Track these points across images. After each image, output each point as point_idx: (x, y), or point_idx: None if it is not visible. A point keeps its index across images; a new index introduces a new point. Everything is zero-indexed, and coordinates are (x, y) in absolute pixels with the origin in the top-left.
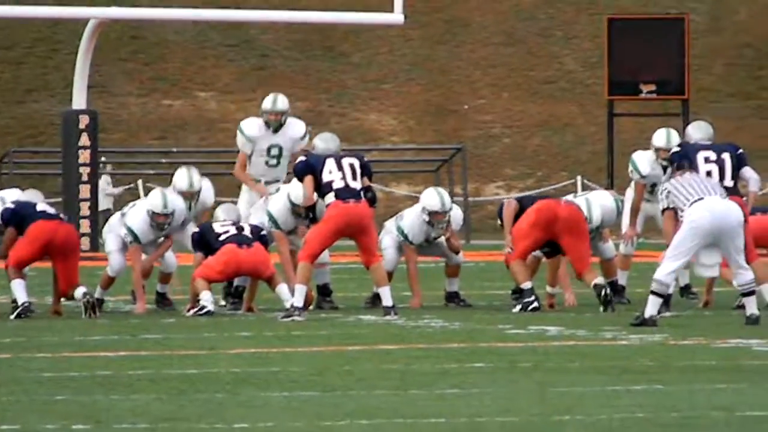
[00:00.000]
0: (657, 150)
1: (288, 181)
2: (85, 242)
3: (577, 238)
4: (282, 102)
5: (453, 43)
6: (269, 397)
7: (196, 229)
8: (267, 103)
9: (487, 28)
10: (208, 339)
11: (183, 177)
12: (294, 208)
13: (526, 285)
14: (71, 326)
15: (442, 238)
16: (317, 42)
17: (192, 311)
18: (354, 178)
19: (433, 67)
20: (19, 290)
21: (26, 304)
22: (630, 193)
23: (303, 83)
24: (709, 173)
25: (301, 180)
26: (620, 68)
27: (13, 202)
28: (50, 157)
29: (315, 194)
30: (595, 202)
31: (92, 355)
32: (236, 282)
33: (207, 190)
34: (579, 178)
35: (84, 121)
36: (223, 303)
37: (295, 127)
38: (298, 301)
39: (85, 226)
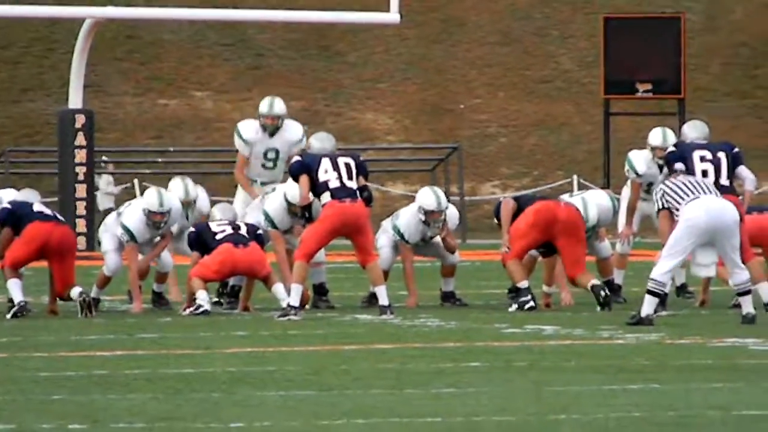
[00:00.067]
0: (653, 149)
1: (284, 180)
2: (81, 241)
3: (574, 242)
4: (278, 106)
5: (449, 43)
6: (265, 397)
7: (193, 229)
8: (263, 107)
9: (482, 27)
10: (205, 338)
11: (178, 187)
12: (290, 207)
13: (523, 284)
14: (67, 326)
15: (438, 238)
16: (313, 41)
17: (188, 311)
18: (350, 177)
19: (428, 66)
20: (15, 290)
21: (22, 304)
22: (626, 192)
23: (299, 82)
24: (704, 172)
25: (296, 179)
26: (616, 67)
27: (9, 202)
28: (46, 157)
29: (311, 194)
30: (592, 202)
31: (89, 355)
32: (232, 281)
33: (203, 199)
34: (575, 177)
35: (80, 120)
36: (216, 299)
37: (292, 130)
38: (295, 300)
39: (81, 225)
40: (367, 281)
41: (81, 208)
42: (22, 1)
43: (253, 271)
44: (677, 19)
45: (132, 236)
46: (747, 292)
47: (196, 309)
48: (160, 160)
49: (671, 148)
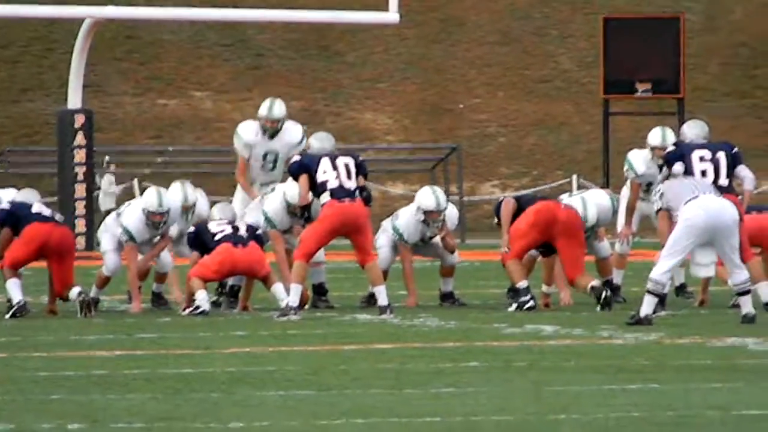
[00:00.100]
0: (653, 149)
1: (284, 180)
2: (80, 241)
3: (573, 243)
4: (279, 109)
5: (448, 42)
6: (265, 397)
7: (192, 229)
8: (263, 110)
9: (482, 27)
10: (204, 338)
11: (177, 192)
12: (289, 207)
13: (522, 284)
14: (67, 325)
15: (438, 238)
16: (312, 41)
17: (187, 311)
18: (349, 177)
19: (428, 66)
20: (14, 290)
21: (22, 304)
22: (626, 192)
23: (298, 82)
24: (704, 172)
25: (296, 179)
26: (616, 67)
27: (8, 203)
28: (45, 157)
29: (310, 194)
30: (591, 201)
31: (88, 355)
32: (231, 281)
33: (202, 204)
34: (574, 177)
35: (79, 120)
36: (215, 297)
37: (292, 133)
38: (294, 300)
39: (80, 225)
40: (367, 281)
41: (80, 207)
42: (22, 1)
43: (253, 271)
44: (677, 19)
45: (131, 236)
46: (746, 292)
47: (195, 309)
48: (159, 160)
49: (671, 148)
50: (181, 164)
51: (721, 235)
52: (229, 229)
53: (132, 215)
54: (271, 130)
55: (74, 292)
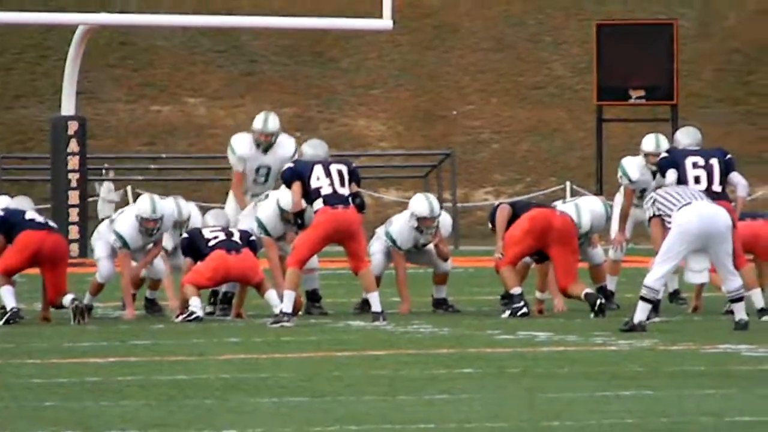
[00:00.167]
0: (646, 155)
1: (277, 187)
2: (74, 248)
3: (567, 251)
4: (273, 123)
5: (442, 49)
6: (259, 403)
7: (186, 235)
8: (258, 124)
9: (476, 33)
10: (198, 345)
11: (171, 207)
12: (283, 214)
13: (516, 290)
14: (60, 332)
15: (431, 245)
16: (306, 48)
17: (181, 317)
18: (342, 184)
19: (421, 72)
20: (7, 297)
21: (15, 310)
22: (619, 199)
23: (292, 89)
24: (697, 179)
25: (289, 186)
26: (609, 74)
27: (2, 210)
28: (39, 163)
29: (303, 200)
30: (585, 208)
31: (81, 362)
32: (225, 288)
33: (195, 217)
34: (568, 183)
35: (73, 127)
36: (210, 309)
37: (285, 147)
38: (287, 306)
39: (74, 232)
40: (360, 288)
41: (74, 214)
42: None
43: (246, 277)
44: (670, 25)
45: (125, 243)
46: (740, 299)
47: (189, 315)
48: (152, 166)
49: (664, 155)
50: (175, 171)
51: (715, 241)
52: (222, 236)
53: (125, 222)
54: (265, 143)
55: (68, 299)
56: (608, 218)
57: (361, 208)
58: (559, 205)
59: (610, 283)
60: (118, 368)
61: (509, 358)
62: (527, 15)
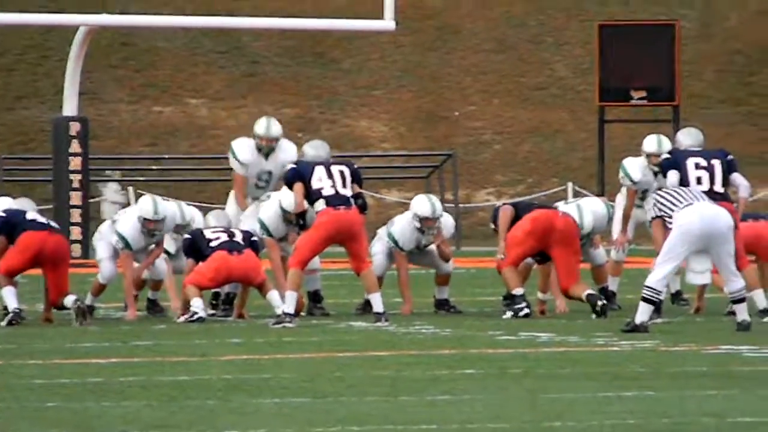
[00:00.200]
0: (648, 156)
1: (278, 188)
2: (76, 249)
3: (569, 252)
4: (276, 128)
5: (444, 50)
6: (260, 404)
7: (188, 236)
8: (260, 129)
9: (478, 34)
10: (200, 346)
11: (173, 211)
12: (285, 215)
13: (518, 291)
14: (62, 333)
15: (433, 246)
16: (308, 48)
17: (183, 318)
18: (344, 185)
19: (423, 73)
20: (9, 297)
21: (17, 311)
22: (621, 200)
23: (293, 90)
24: (699, 179)
25: (291, 187)
26: (611, 75)
27: (3, 211)
28: (40, 164)
29: (305, 201)
30: (587, 209)
31: (83, 362)
32: (227, 289)
33: (198, 222)
34: (570, 184)
35: (74, 128)
36: (212, 311)
37: (287, 152)
38: (289, 307)
39: (75, 233)
40: (362, 288)
41: (76, 215)
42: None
43: (248, 278)
44: (672, 26)
45: (126, 244)
46: (742, 300)
47: (191, 316)
48: (154, 167)
49: (665, 156)
50: (177, 172)
51: (716, 241)
52: (224, 237)
53: (127, 223)
54: (267, 148)
55: (69, 299)
56: (610, 219)
57: (362, 209)
58: (560, 205)
59: (612, 284)
60: (120, 369)
61: (511, 359)
62: (529, 16)
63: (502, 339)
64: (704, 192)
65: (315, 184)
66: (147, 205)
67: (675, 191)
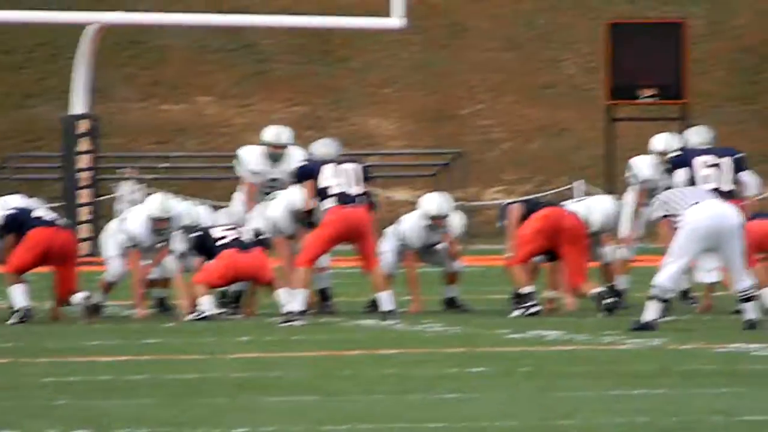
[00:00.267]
0: (657, 154)
1: (285, 187)
2: (85, 247)
3: (578, 250)
4: (286, 135)
5: (452, 48)
6: (269, 402)
7: (196, 234)
8: (270, 136)
9: (486, 33)
10: (209, 344)
11: (182, 207)
12: (293, 213)
13: (526, 289)
14: (71, 331)
15: (442, 245)
16: (316, 47)
17: (192, 316)
18: (353, 183)
19: (432, 72)
20: (18, 295)
21: (26, 309)
22: (629, 198)
23: (302, 88)
24: (707, 178)
25: (300, 185)
26: (620, 73)
27: (12, 208)
28: (49, 162)
29: (314, 199)
30: (595, 207)
31: (92, 360)
32: (235, 287)
33: (205, 217)
34: (578, 182)
35: (84, 126)
36: (222, 310)
37: (295, 159)
38: (298, 305)
39: (85, 230)
40: (371, 286)
41: (85, 213)
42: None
43: (257, 276)
44: (680, 24)
45: (135, 242)
46: (750, 299)
47: (200, 314)
48: (163, 165)
49: (675, 154)
50: (185, 170)
51: (724, 240)
52: (233, 235)
53: (136, 221)
54: (275, 155)
55: (78, 297)
56: (618, 217)
57: (371, 207)
58: (569, 204)
59: (621, 282)
60: (129, 367)
61: (520, 357)
62: (538, 14)
63: (511, 337)
64: (713, 190)
65: (324, 182)
66: (156, 203)
67: (682, 190)
